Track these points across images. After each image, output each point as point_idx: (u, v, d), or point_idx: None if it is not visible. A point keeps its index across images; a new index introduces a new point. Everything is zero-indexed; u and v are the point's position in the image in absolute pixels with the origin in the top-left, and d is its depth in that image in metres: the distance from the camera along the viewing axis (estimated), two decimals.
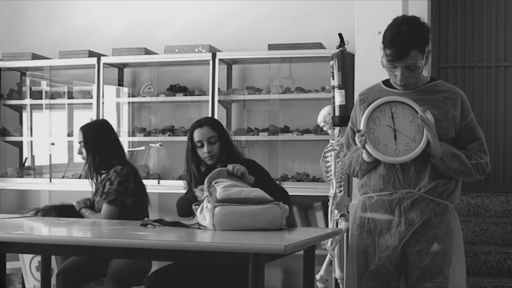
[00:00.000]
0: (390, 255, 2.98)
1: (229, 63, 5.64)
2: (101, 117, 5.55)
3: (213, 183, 3.26)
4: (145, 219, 3.46)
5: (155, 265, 4.17)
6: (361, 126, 2.97)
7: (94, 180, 4.14)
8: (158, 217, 3.85)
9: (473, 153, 2.98)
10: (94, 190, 4.16)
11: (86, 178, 4.16)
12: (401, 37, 2.87)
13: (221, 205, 3.11)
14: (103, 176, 4.10)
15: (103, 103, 5.63)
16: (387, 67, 2.95)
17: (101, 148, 4.10)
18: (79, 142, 4.15)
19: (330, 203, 4.52)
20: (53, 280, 4.35)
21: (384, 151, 2.94)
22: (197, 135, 3.66)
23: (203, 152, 3.64)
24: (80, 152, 4.17)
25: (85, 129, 4.17)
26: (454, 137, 2.98)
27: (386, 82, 3.11)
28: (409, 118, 2.95)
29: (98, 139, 4.12)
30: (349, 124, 3.20)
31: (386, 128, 2.96)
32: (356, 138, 2.97)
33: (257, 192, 3.20)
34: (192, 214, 3.41)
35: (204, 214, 3.20)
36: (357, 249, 3.08)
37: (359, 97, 3.17)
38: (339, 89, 4.43)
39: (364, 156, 2.99)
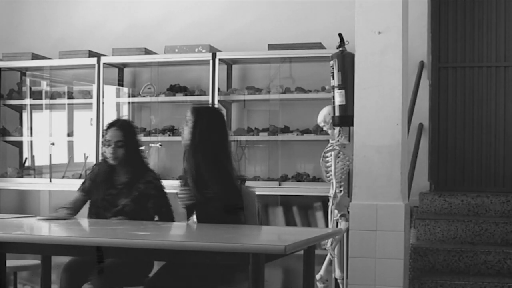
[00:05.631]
0: None
1: (229, 63, 5.64)
2: (100, 117, 5.56)
3: None
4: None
5: (157, 265, 4.16)
6: None
7: None
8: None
9: None
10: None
11: None
12: None
13: None
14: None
15: (103, 103, 5.63)
16: None
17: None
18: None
19: (330, 203, 4.53)
20: None
21: None
22: None
23: None
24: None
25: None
26: None
27: None
28: None
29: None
30: None
31: None
32: None
33: None
34: None
35: None
36: None
37: None
38: (339, 89, 4.43)
39: None
